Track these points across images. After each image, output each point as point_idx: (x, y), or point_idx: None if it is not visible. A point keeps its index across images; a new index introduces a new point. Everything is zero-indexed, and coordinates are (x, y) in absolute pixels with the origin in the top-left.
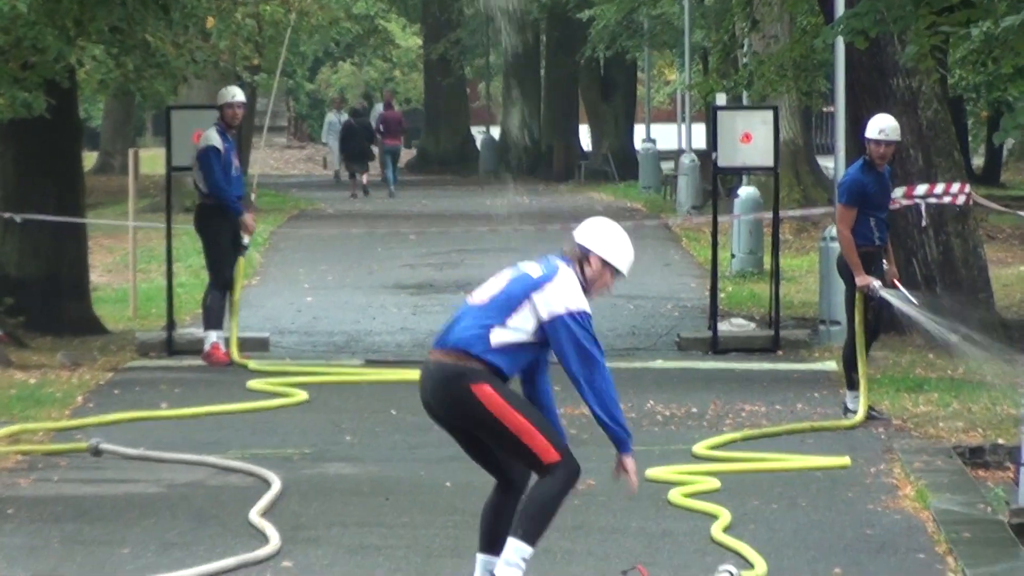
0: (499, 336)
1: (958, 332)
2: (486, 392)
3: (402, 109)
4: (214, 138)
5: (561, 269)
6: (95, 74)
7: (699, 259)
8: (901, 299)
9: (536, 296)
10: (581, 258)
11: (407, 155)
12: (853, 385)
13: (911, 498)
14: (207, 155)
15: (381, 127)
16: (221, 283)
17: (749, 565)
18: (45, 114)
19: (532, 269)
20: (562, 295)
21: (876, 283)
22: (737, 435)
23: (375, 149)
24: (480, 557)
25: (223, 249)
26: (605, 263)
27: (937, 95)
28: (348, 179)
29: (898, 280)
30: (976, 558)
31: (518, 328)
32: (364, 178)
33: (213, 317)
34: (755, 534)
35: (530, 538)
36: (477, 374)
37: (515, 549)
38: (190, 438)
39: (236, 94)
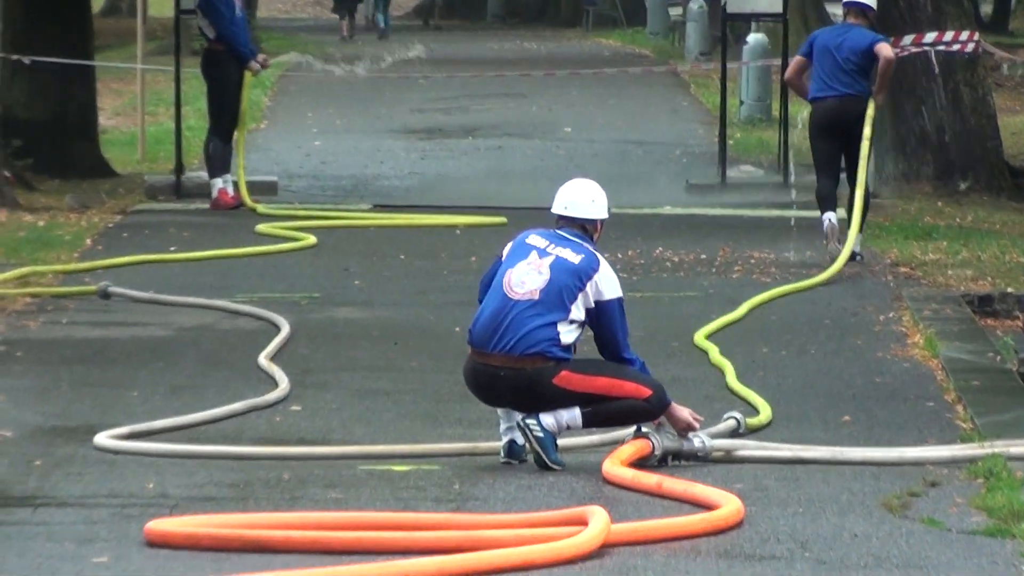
0: (566, 336)
1: None
2: (570, 378)
3: None
4: None
5: (596, 255)
6: None
7: (707, 106)
8: None
9: (589, 285)
10: (591, 230)
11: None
12: (860, 228)
13: (920, 346)
14: (210, 1)
15: None
16: (222, 130)
17: (755, 411)
18: None
19: (564, 253)
20: (611, 284)
21: None
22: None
23: None
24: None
25: (229, 96)
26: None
27: None
28: (340, 21)
29: None
30: (985, 406)
31: (576, 318)
32: (344, 25)
33: (217, 164)
34: (764, 381)
35: (589, 419)
36: (556, 368)
37: (571, 416)
38: (198, 281)
39: None
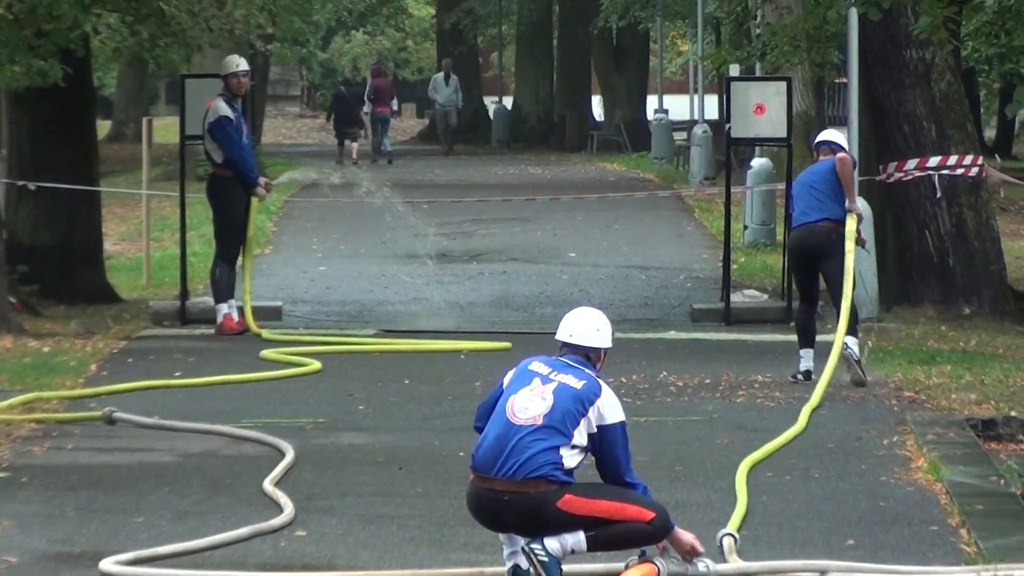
0: (569, 460)
1: None
2: (574, 502)
3: (415, 79)
4: (223, 108)
5: (598, 381)
6: (110, 42)
7: (711, 230)
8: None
9: (591, 410)
10: (595, 359)
11: (419, 125)
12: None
13: (924, 470)
14: (221, 126)
15: (372, 95)
16: (229, 255)
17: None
18: (60, 82)
19: (566, 379)
20: (613, 409)
21: None
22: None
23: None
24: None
25: (235, 221)
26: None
27: (950, 67)
28: (337, 146)
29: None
30: (989, 530)
31: (578, 443)
32: (355, 147)
33: (223, 289)
34: (768, 506)
35: (593, 542)
36: (559, 491)
37: (575, 539)
38: (204, 407)
39: (240, 63)
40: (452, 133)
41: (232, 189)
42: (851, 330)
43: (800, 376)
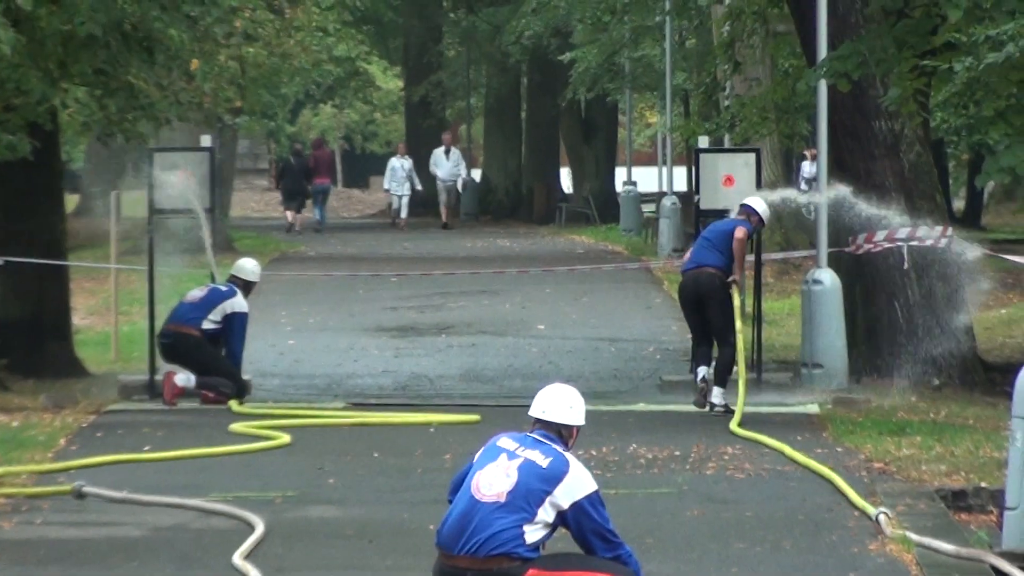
0: (532, 535)
1: None
2: None
3: (383, 152)
4: (246, 305)
5: (566, 456)
6: (78, 116)
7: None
8: None
9: (558, 489)
10: (567, 435)
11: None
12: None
13: (895, 541)
14: (238, 320)
15: (312, 166)
16: (242, 386)
17: None
18: (28, 156)
19: (533, 456)
20: (581, 483)
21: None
22: None
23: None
24: None
25: (215, 354)
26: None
27: (919, 138)
28: (284, 211)
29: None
30: None
31: (542, 519)
32: (290, 215)
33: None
34: None
35: None
36: (522, 567)
37: None
38: (173, 481)
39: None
40: (454, 208)
41: (201, 341)
42: (722, 381)
43: (701, 384)
